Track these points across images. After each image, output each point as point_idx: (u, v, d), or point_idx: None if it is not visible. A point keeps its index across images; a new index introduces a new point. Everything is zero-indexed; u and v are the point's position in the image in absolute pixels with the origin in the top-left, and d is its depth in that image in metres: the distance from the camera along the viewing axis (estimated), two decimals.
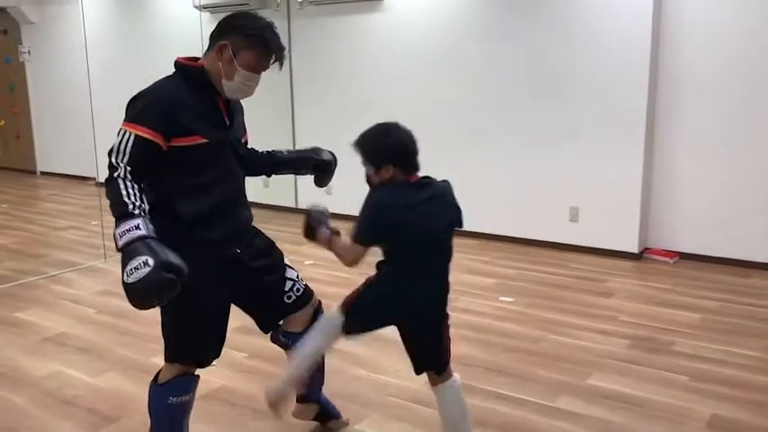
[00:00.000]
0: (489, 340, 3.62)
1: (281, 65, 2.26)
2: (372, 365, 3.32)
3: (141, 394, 3.02)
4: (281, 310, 2.51)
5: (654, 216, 5.22)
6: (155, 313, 4.18)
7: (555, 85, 5.25)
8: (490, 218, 5.71)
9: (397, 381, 3.15)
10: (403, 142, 2.26)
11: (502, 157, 5.61)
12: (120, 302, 4.26)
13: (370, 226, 2.26)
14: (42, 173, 9.51)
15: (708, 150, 4.91)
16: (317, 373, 2.61)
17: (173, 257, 1.87)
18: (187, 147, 2.12)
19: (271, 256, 2.51)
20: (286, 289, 2.49)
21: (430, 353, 2.40)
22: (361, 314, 2.37)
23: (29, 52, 8.92)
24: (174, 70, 2.27)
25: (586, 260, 5.12)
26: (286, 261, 2.56)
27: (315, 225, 2.41)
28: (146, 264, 1.83)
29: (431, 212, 2.27)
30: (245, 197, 2.42)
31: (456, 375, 2.45)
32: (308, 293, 2.59)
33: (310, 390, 2.65)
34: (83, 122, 6.53)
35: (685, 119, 4.96)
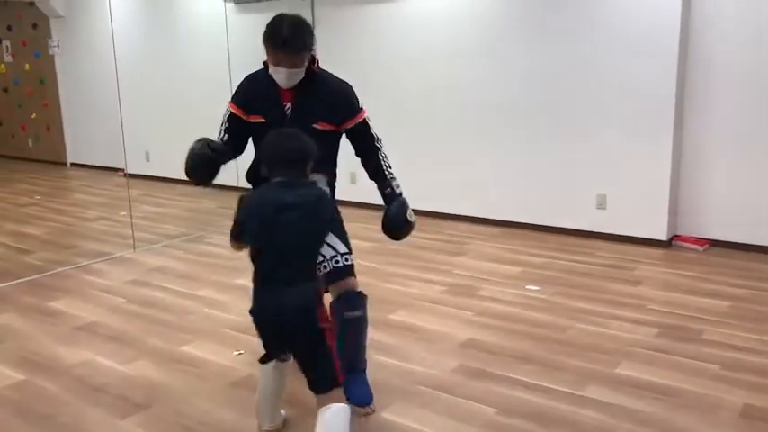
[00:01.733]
0: (515, 329, 3.60)
1: (292, 56, 2.53)
2: (398, 353, 3.33)
3: (171, 382, 3.08)
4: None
5: (683, 203, 5.13)
6: (184, 303, 4.26)
7: (583, 73, 5.18)
8: (516, 206, 5.67)
9: (423, 369, 3.15)
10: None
11: (528, 145, 5.55)
12: (149, 292, 4.34)
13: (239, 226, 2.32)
14: (72, 164, 9.66)
15: (737, 137, 4.81)
16: None
17: (217, 144, 2.63)
18: (254, 123, 2.70)
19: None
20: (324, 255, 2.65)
21: (305, 368, 2.28)
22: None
23: (58, 46, 9.07)
24: None
25: (614, 248, 5.06)
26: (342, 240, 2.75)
27: None
28: (196, 142, 2.63)
29: (290, 219, 2.19)
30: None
31: (340, 406, 2.20)
32: (340, 273, 2.68)
33: None
34: (111, 115, 6.62)
35: (715, 105, 4.86)
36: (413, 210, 2.77)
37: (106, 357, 3.36)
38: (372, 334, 3.56)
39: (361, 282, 4.30)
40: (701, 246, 4.98)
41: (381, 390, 2.95)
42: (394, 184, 2.80)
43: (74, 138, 9.64)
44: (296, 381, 2.54)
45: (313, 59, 2.64)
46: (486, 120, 5.70)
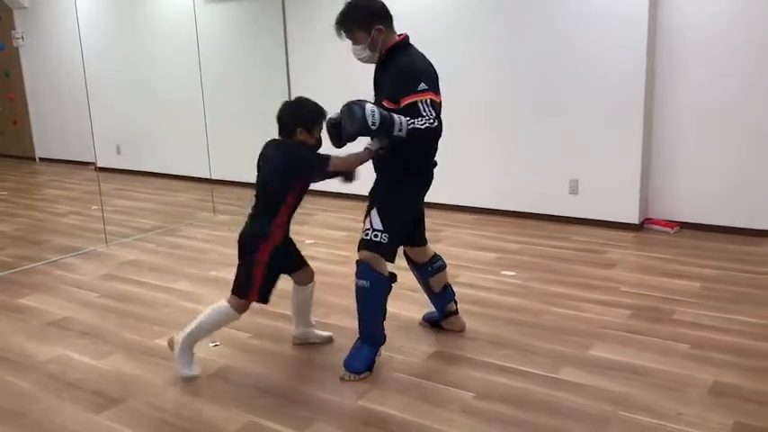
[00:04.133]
0: (491, 314, 3.63)
1: (339, 35, 2.94)
2: None
3: (146, 375, 3.06)
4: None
5: (654, 186, 5.21)
6: (157, 296, 4.22)
7: (553, 58, 5.21)
8: (491, 192, 5.70)
9: (401, 356, 3.17)
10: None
11: (501, 131, 5.58)
12: (123, 286, 4.30)
13: None
14: (41, 159, 9.49)
15: (707, 119, 4.89)
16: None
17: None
18: None
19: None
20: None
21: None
22: None
23: (22, 37, 8.86)
24: None
25: (587, 232, 5.12)
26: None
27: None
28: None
29: (261, 167, 2.99)
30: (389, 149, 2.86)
31: (220, 304, 2.95)
32: (361, 243, 2.98)
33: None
34: (80, 107, 6.50)
35: (684, 87, 4.93)
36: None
37: (79, 352, 3.32)
38: (351, 323, 3.57)
39: (333, 271, 4.31)
40: (672, 228, 5.06)
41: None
42: (399, 116, 2.68)
43: (41, 132, 9.46)
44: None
45: (386, 38, 2.88)
46: (459, 108, 5.70)
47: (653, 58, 4.96)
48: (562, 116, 5.26)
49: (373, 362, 2.99)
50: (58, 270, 4.68)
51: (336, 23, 2.91)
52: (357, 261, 2.93)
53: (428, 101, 2.72)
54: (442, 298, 3.37)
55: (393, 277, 2.98)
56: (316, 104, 2.98)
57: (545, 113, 5.33)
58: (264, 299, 2.98)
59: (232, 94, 6.95)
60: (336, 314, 3.69)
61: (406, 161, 2.90)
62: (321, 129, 2.97)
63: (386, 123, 2.64)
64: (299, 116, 2.93)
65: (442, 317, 3.42)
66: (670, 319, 3.49)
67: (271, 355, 3.24)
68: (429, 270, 3.30)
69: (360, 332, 3.01)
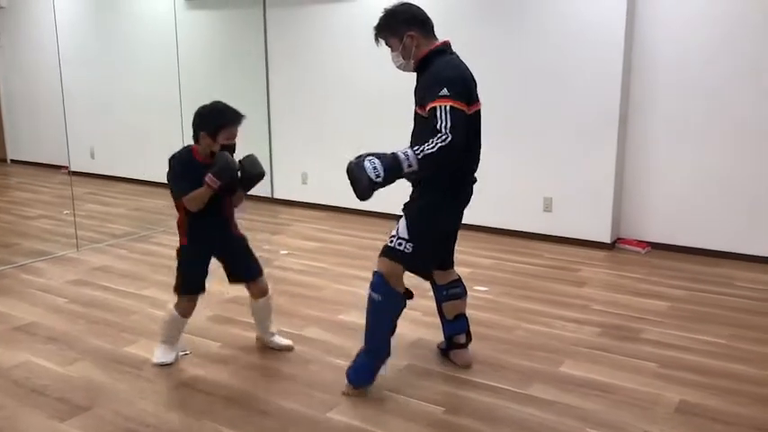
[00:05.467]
0: None
1: (376, 42, 2.94)
2: (347, 354, 3.33)
3: (114, 383, 3.01)
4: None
5: (626, 206, 5.29)
6: (127, 303, 4.16)
7: (528, 76, 5.28)
8: (466, 209, 5.72)
9: None
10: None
11: None
12: (92, 292, 4.23)
13: None
14: (13, 161, 9.33)
15: (678, 142, 4.98)
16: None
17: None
18: None
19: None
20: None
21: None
22: None
23: None
24: None
25: (560, 250, 5.17)
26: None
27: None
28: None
29: None
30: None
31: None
32: (382, 249, 2.92)
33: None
34: (54, 110, 6.42)
35: (657, 111, 5.02)
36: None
37: (45, 359, 3.26)
38: (321, 335, 3.56)
39: (308, 282, 4.29)
40: (644, 248, 5.14)
41: (330, 390, 2.95)
42: (405, 149, 2.58)
43: (14, 133, 9.30)
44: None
45: (419, 46, 2.81)
46: None
47: (628, 79, 5.06)
48: (537, 135, 5.33)
49: (375, 374, 2.92)
50: (26, 274, 4.60)
51: (377, 28, 2.90)
52: (374, 271, 2.83)
53: (447, 107, 2.58)
54: (452, 326, 3.19)
55: (409, 294, 2.87)
56: (220, 110, 2.96)
57: (520, 132, 5.39)
58: (188, 290, 3.09)
59: (209, 101, 6.88)
60: (310, 326, 3.68)
61: (435, 173, 2.75)
62: (231, 134, 2.96)
63: (392, 169, 2.51)
64: (200, 121, 2.96)
65: (449, 347, 3.24)
66: (639, 337, 3.54)
67: (240, 365, 3.21)
68: (444, 293, 3.16)
69: (365, 343, 2.91)
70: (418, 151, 2.54)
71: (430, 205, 2.84)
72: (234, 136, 2.98)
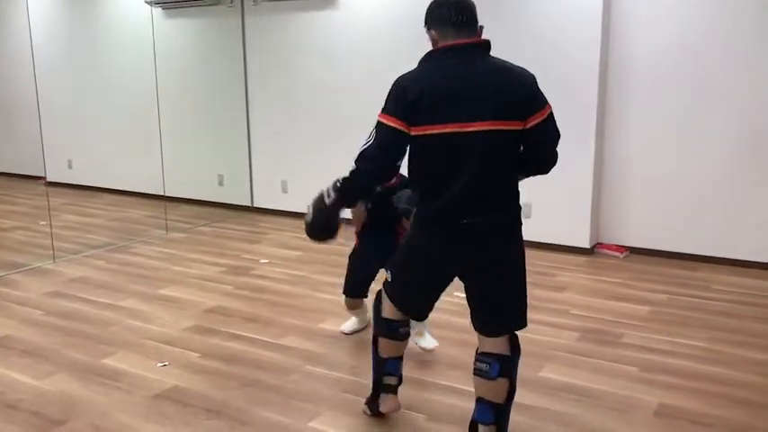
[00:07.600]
0: (444, 335, 3.64)
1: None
2: (325, 361, 3.32)
3: (91, 396, 2.97)
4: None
5: (605, 212, 5.33)
6: (104, 315, 4.10)
7: None
8: None
9: (353, 377, 3.15)
10: None
11: None
12: (69, 303, 4.18)
13: None
14: None
15: (655, 147, 5.04)
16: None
17: None
18: None
19: None
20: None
21: None
22: None
23: None
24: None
25: (539, 255, 5.19)
26: None
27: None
28: None
29: None
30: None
31: None
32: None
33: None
34: (30, 120, 6.35)
35: (635, 117, 5.08)
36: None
37: (20, 372, 3.21)
38: (302, 344, 3.54)
39: (287, 291, 4.26)
40: (623, 253, 5.18)
41: (310, 399, 2.93)
42: (330, 183, 2.47)
43: None
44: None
45: (435, 44, 2.48)
46: None
47: (605, 86, 5.11)
48: None
49: (376, 381, 2.77)
50: (1, 287, 4.53)
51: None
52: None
53: (377, 123, 2.34)
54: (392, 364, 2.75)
55: (390, 326, 2.61)
56: None
57: None
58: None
59: (188, 110, 6.87)
60: (290, 335, 3.66)
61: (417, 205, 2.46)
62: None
63: (315, 204, 2.46)
64: None
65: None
66: (618, 341, 3.56)
67: (221, 376, 3.18)
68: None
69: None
70: (337, 181, 2.41)
71: (408, 236, 2.53)
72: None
